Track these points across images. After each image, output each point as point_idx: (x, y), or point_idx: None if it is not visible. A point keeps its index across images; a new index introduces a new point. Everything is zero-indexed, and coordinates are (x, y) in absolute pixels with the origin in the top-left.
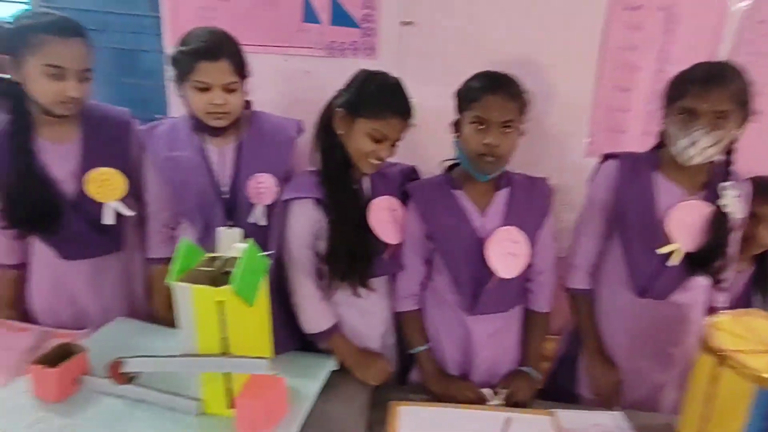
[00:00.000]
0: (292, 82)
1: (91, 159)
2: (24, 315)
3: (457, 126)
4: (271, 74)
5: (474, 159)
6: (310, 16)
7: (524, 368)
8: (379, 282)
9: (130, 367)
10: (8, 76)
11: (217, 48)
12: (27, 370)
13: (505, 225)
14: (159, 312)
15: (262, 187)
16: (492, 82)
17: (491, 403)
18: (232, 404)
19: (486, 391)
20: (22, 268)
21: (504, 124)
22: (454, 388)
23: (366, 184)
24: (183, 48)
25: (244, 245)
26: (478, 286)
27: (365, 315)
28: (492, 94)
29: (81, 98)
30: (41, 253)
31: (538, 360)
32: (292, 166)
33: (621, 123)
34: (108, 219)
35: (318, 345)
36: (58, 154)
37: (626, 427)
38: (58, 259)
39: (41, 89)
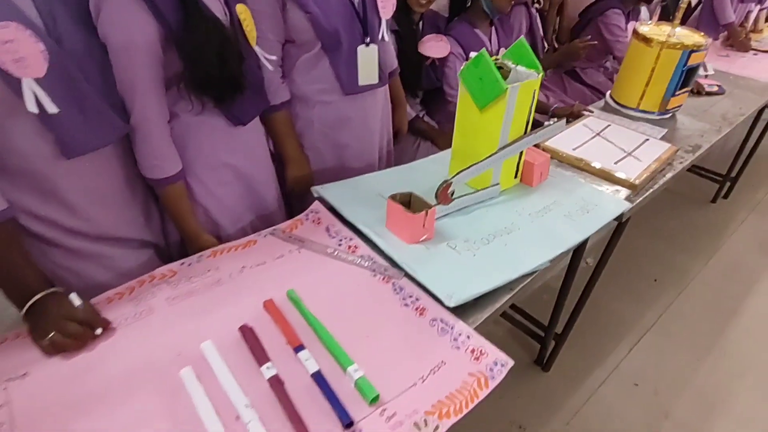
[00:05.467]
0: None
1: None
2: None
3: None
4: None
5: None
6: None
7: None
8: None
9: (457, 181)
10: None
11: None
12: (404, 219)
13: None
14: (293, 159)
15: None
16: None
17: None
18: (517, 174)
19: None
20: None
21: None
22: None
23: None
24: None
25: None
26: None
27: None
28: None
29: None
30: (198, 139)
31: None
32: None
33: None
34: (268, 64)
35: None
36: None
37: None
38: (224, 131)
39: None
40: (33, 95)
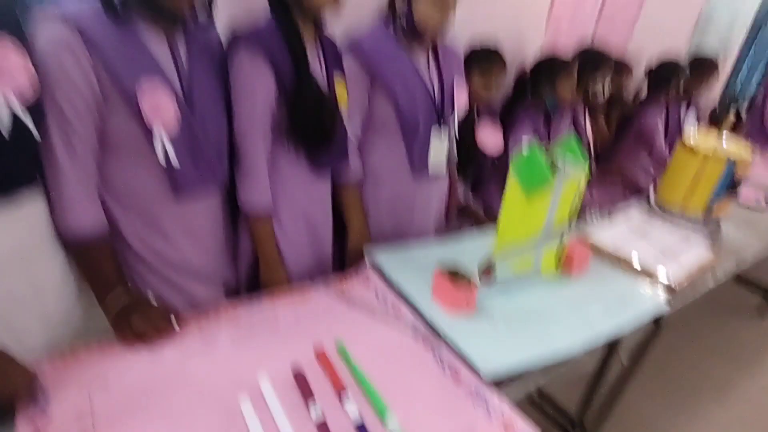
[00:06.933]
0: None
1: (331, 61)
2: None
3: None
4: None
5: None
6: None
7: None
8: None
9: (499, 263)
10: None
11: None
12: (449, 292)
13: None
14: (357, 231)
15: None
16: None
17: None
18: (558, 265)
19: None
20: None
21: None
22: None
23: None
24: None
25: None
26: None
27: None
28: None
29: None
30: (283, 183)
31: None
32: None
33: None
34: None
35: None
36: (312, 55)
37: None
38: (307, 180)
39: None
40: (163, 149)
